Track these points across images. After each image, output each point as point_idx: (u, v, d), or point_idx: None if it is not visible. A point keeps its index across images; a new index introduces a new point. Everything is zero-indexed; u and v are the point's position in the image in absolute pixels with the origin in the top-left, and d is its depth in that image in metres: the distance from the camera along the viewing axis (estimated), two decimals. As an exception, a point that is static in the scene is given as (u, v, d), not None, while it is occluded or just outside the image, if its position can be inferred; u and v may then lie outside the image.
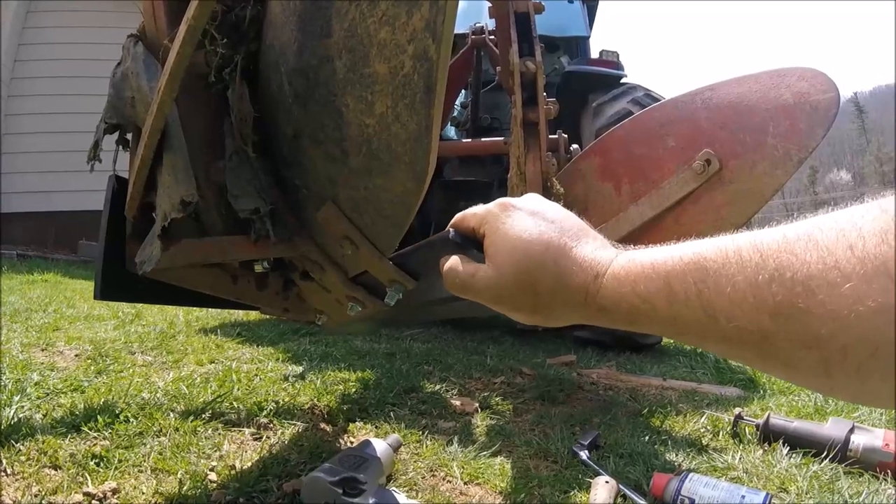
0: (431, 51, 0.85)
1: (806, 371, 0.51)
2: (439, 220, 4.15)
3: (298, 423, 2.02)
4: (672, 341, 4.26)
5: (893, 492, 1.73)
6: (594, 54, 5.48)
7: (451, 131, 5.37)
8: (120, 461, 1.62)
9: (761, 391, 2.95)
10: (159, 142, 1.17)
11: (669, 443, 2.06)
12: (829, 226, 0.48)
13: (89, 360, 2.66)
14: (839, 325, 0.45)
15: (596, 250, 0.70)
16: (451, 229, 0.84)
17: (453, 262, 0.80)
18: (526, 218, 0.75)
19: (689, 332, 0.59)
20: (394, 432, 1.97)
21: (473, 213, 0.81)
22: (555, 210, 0.76)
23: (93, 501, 1.42)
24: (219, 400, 2.16)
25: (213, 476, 1.59)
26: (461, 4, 4.60)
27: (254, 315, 3.93)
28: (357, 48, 0.94)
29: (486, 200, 0.84)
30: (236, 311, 3.16)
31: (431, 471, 1.76)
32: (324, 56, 0.99)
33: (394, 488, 1.52)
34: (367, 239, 1.20)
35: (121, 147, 1.45)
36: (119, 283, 1.43)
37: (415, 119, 0.92)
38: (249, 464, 1.67)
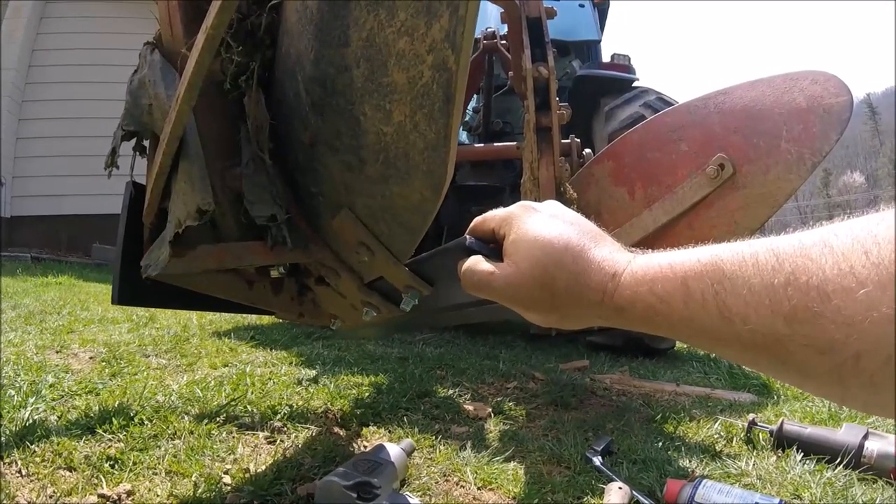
0: (451, 61, 0.85)
1: (819, 378, 0.51)
2: (451, 225, 4.16)
3: (312, 426, 2.03)
4: (685, 346, 4.25)
5: (908, 498, 1.72)
6: (605, 58, 5.48)
7: (462, 136, 5.37)
8: (134, 463, 1.63)
9: (775, 397, 2.94)
10: (176, 149, 1.18)
11: (683, 449, 2.06)
12: (844, 232, 0.49)
13: (104, 363, 2.67)
14: (853, 331, 0.45)
15: (613, 252, 0.71)
16: (467, 236, 0.85)
17: (471, 261, 0.81)
18: (546, 219, 0.76)
19: (703, 335, 0.59)
20: (407, 437, 1.97)
21: (493, 215, 0.82)
22: (574, 215, 0.78)
23: (107, 503, 1.43)
24: (233, 403, 2.16)
25: (227, 479, 1.60)
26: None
27: (267, 319, 3.94)
28: (375, 57, 0.94)
29: (498, 205, 0.85)
30: (249, 314, 3.17)
31: (445, 476, 1.76)
32: (341, 65, 1.00)
33: (407, 493, 1.53)
34: (383, 245, 1.21)
35: (138, 153, 1.47)
36: (136, 289, 1.45)
37: (433, 128, 0.92)
38: (263, 467, 1.68)
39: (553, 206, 0.80)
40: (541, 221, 0.76)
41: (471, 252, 0.83)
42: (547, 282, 0.72)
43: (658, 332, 0.65)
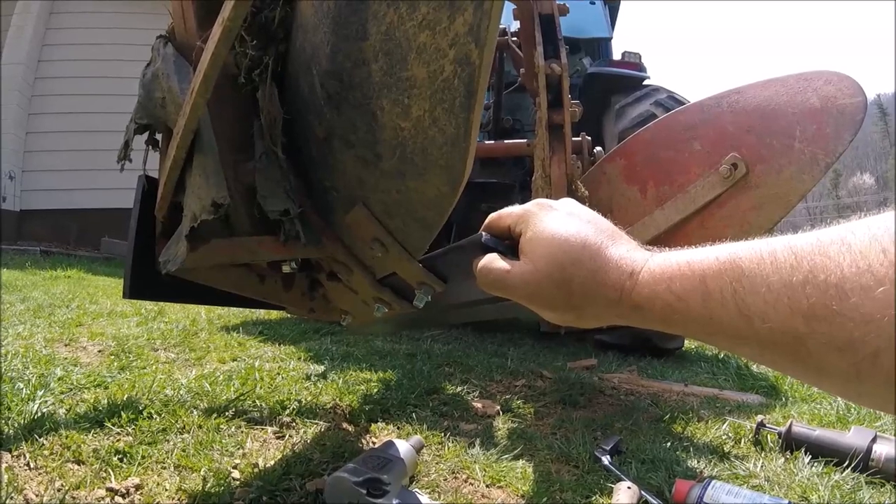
0: (474, 55, 0.84)
1: (837, 376, 0.50)
2: (460, 222, 4.15)
3: (321, 422, 2.03)
4: (694, 346, 4.24)
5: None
6: (616, 56, 5.47)
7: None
8: (143, 457, 1.63)
9: (783, 398, 2.93)
10: (190, 142, 1.18)
11: (691, 449, 2.05)
12: (861, 230, 0.48)
13: (112, 356, 2.68)
14: (871, 329, 0.45)
15: (631, 251, 0.71)
16: (482, 232, 0.84)
17: (487, 259, 0.80)
18: (563, 217, 0.76)
19: (722, 333, 0.59)
20: (416, 433, 1.97)
21: (510, 213, 0.82)
22: (591, 213, 0.77)
23: (116, 497, 1.43)
24: (241, 398, 2.17)
25: (236, 474, 1.60)
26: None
27: (275, 314, 3.96)
28: (394, 51, 0.93)
29: (508, 202, 0.85)
30: (258, 309, 3.17)
31: (453, 473, 1.76)
32: (359, 59, 0.99)
33: (416, 489, 1.52)
34: (397, 241, 1.20)
35: (150, 147, 1.46)
36: (148, 283, 1.45)
37: (453, 123, 0.91)
38: (272, 462, 1.68)
39: (570, 203, 0.80)
40: (558, 219, 0.76)
41: (486, 249, 0.82)
42: (564, 280, 0.71)
43: (676, 331, 0.65)
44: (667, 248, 0.68)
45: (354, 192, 1.20)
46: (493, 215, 0.85)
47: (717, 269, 0.58)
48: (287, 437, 1.90)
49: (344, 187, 1.23)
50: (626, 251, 0.70)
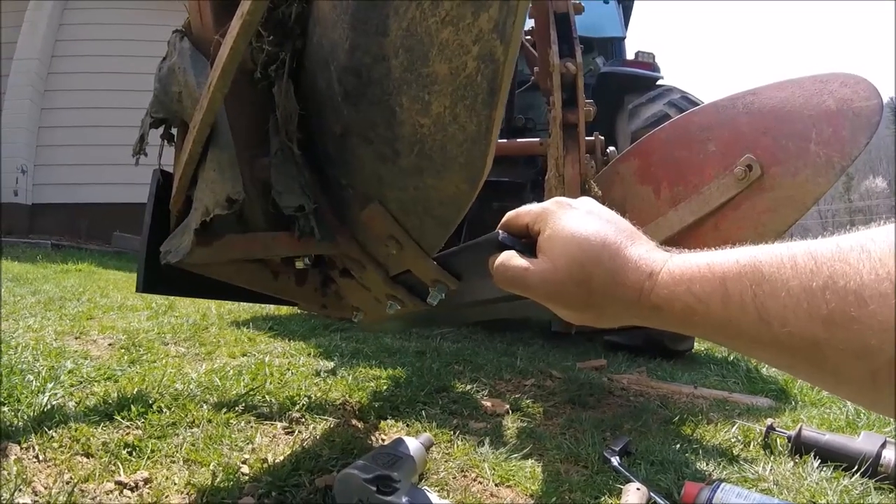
0: (498, 52, 0.83)
1: (854, 383, 0.50)
2: (472, 220, 4.14)
3: (330, 418, 2.03)
4: (704, 348, 4.23)
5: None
6: (629, 55, 5.45)
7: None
8: (152, 451, 1.63)
9: (793, 402, 2.91)
10: (207, 137, 1.18)
11: (700, 451, 2.04)
12: (881, 237, 0.48)
13: (123, 350, 2.69)
14: (889, 336, 0.45)
15: (650, 251, 0.71)
16: (499, 231, 0.84)
17: (505, 256, 0.80)
18: (583, 216, 0.76)
19: (740, 337, 0.59)
20: (425, 431, 1.97)
21: (528, 211, 0.81)
22: (610, 212, 0.77)
23: (125, 490, 1.43)
24: (251, 393, 2.17)
25: (245, 469, 1.60)
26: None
27: (285, 309, 3.96)
28: (416, 47, 0.92)
29: (520, 201, 0.85)
30: (268, 304, 3.18)
31: (463, 471, 1.75)
32: (378, 55, 0.98)
33: (425, 487, 1.52)
34: (412, 239, 1.19)
35: (165, 141, 1.47)
36: (161, 277, 1.45)
37: (475, 120, 0.90)
38: (281, 458, 1.68)
39: (588, 202, 0.80)
40: (577, 218, 0.75)
41: (503, 247, 0.82)
42: (583, 279, 0.71)
43: (694, 333, 0.65)
44: (685, 250, 0.68)
45: (371, 189, 1.20)
46: (510, 213, 0.84)
47: (737, 271, 0.58)
48: (296, 432, 1.90)
49: (360, 184, 1.23)
50: (645, 251, 0.70)
